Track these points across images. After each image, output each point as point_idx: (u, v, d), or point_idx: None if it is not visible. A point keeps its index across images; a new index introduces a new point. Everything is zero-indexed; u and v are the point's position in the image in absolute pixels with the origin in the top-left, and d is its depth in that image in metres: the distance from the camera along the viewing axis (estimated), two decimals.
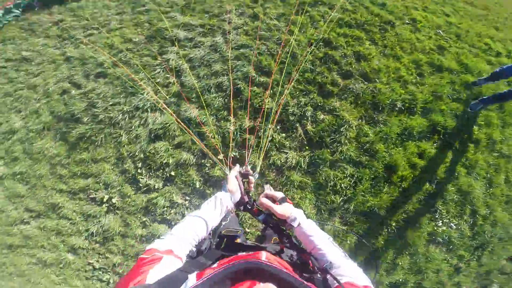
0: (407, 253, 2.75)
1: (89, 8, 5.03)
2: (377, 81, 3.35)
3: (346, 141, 2.93)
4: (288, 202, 1.09)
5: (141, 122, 3.14)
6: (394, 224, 2.73)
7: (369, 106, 3.18)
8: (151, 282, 0.64)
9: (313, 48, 3.53)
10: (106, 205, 2.90)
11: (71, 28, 4.64)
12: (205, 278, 0.61)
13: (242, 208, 1.18)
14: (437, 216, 2.87)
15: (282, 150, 2.91)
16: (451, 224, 2.89)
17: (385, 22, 4.01)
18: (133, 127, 3.12)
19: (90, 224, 2.85)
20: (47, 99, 3.69)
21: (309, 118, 3.07)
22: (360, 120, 3.11)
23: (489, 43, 4.12)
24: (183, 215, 2.68)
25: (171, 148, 2.96)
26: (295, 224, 1.01)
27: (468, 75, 3.56)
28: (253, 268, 0.66)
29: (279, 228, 1.10)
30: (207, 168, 2.82)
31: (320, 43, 3.65)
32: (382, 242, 2.72)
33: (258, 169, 1.46)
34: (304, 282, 0.63)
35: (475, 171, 3.06)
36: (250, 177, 1.25)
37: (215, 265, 0.78)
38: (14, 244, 2.99)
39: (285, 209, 1.04)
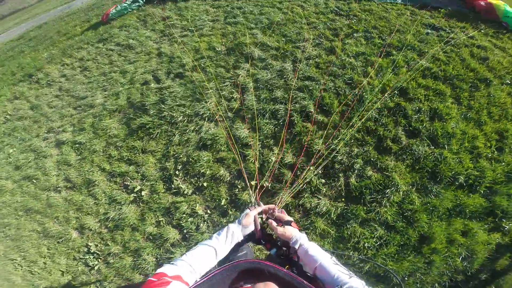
0: None
1: (193, 10, 5.62)
2: (446, 147, 2.85)
3: (387, 203, 2.57)
4: (293, 226, 1.10)
5: (196, 128, 3.35)
6: None
7: (426, 174, 2.72)
8: None
9: (385, 95, 3.21)
10: (134, 195, 3.10)
11: (173, 26, 5.27)
12: (205, 278, 0.61)
13: (256, 242, 1.18)
14: None
15: (316, 195, 2.73)
16: None
17: (479, 79, 3.39)
18: (187, 131, 3.35)
19: (111, 209, 3.07)
20: (130, 85, 4.24)
21: (356, 171, 2.78)
22: (410, 187, 2.69)
23: None
24: (198, 226, 2.72)
25: (212, 161, 3.07)
26: (296, 246, 1.02)
27: None
28: (253, 268, 0.67)
29: (290, 260, 1.09)
30: (237, 190, 2.82)
31: (395, 92, 3.30)
32: None
33: (281, 204, 1.45)
34: (304, 281, 0.64)
35: None
36: (271, 220, 1.20)
37: None
38: (33, 209, 3.37)
39: (286, 231, 1.06)
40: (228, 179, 2.93)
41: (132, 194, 3.10)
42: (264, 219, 1.23)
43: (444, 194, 2.58)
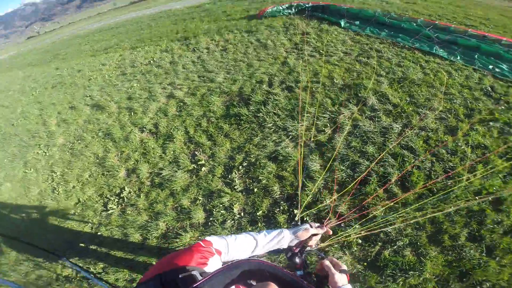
0: None
1: (332, 35, 5.74)
2: (496, 258, 2.27)
3: (401, 282, 2.21)
4: (347, 276, 1.05)
5: (277, 140, 3.49)
6: None
7: (457, 272, 2.22)
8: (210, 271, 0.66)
9: (478, 199, 2.56)
10: (195, 166, 3.42)
11: (307, 43, 5.53)
12: (206, 278, 0.60)
13: (289, 255, 1.14)
14: None
15: (344, 249, 2.49)
16: None
17: None
18: (268, 138, 3.51)
19: (168, 168, 3.48)
20: (248, 78, 4.70)
21: (395, 247, 2.42)
22: (433, 277, 2.17)
23: None
24: (224, 221, 2.83)
25: (273, 175, 3.15)
26: None
27: None
28: (254, 268, 0.66)
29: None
30: (277, 209, 2.83)
31: (490, 199, 2.61)
32: None
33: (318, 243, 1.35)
34: (305, 282, 0.64)
35: None
36: (328, 262, 1.14)
37: None
38: (112, 135, 4.05)
39: (342, 279, 1.01)
40: (277, 196, 2.95)
41: (193, 165, 3.48)
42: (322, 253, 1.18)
43: None
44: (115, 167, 3.77)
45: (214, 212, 2.93)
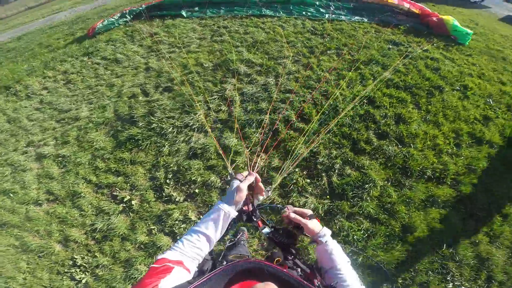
0: None
1: (180, 28, 5.76)
2: (412, 146, 3.18)
3: (368, 198, 2.78)
4: (316, 219, 1.04)
5: (185, 139, 3.39)
6: (401, 281, 2.43)
7: (398, 170, 3.00)
8: None
9: (356, 104, 3.51)
10: (124, 205, 3.01)
11: (161, 43, 5.36)
12: (205, 278, 0.59)
13: (245, 219, 1.09)
14: (448, 278, 2.47)
15: (303, 194, 2.88)
16: (462, 287, 2.49)
17: (434, 86, 3.85)
18: (177, 142, 3.37)
19: (99, 220, 2.92)
20: (118, 99, 4.20)
21: (336, 171, 2.99)
22: (386, 182, 2.93)
23: None
24: None
25: (203, 168, 3.12)
26: (323, 240, 0.96)
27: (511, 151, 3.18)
28: (253, 268, 0.66)
29: (283, 244, 1.06)
30: None
31: (364, 101, 3.62)
32: None
33: (274, 185, 1.34)
34: (304, 281, 0.62)
35: (498, 240, 2.61)
36: (293, 214, 1.04)
37: None
38: (10, 223, 3.12)
39: (315, 225, 1.00)
40: (219, 184, 2.98)
41: (121, 205, 3.02)
42: (286, 214, 1.07)
43: (416, 186, 2.86)
44: (44, 246, 2.88)
45: (175, 230, 2.73)
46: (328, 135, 3.24)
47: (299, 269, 0.98)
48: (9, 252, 2.97)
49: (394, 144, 3.21)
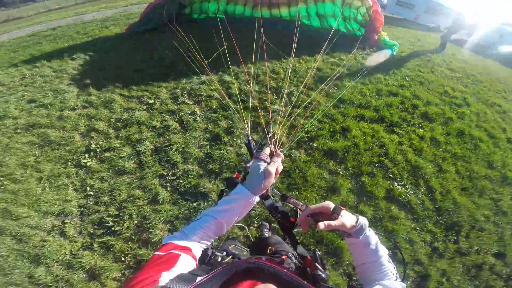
0: (368, 203, 3.03)
1: None
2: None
3: (369, 155, 3.65)
4: (342, 209, 0.82)
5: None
6: (350, 167, 3.38)
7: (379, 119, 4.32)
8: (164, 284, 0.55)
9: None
10: (148, 106, 4.17)
11: None
12: (205, 279, 0.57)
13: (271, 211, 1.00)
14: (391, 175, 3.36)
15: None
16: (408, 189, 3.24)
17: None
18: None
19: (124, 114, 4.03)
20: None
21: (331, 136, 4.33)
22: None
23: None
24: (195, 119, 3.89)
25: (209, 90, 4.38)
26: (364, 233, 0.80)
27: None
28: (254, 268, 0.63)
29: (284, 223, 0.98)
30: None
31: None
32: (341, 181, 3.19)
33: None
34: (305, 282, 0.60)
35: (422, 154, 3.73)
36: (320, 223, 0.79)
37: None
38: (39, 123, 3.88)
39: (349, 219, 0.80)
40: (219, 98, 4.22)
41: (146, 105, 4.17)
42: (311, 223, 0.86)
43: (348, 109, 4.26)
44: (65, 137, 3.65)
45: (184, 118, 3.93)
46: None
47: (293, 258, 0.99)
48: (22, 149, 3.55)
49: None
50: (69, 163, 3.37)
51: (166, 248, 0.71)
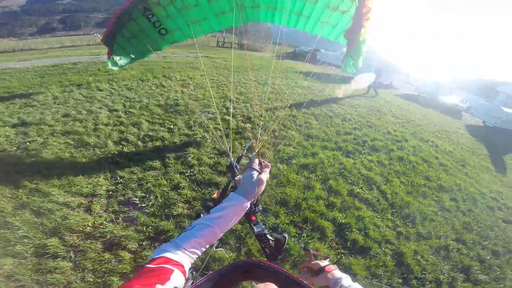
0: (336, 197, 4.03)
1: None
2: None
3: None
4: (328, 269, 0.93)
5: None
6: (319, 175, 4.42)
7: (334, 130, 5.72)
8: None
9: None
10: None
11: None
12: (205, 279, 0.57)
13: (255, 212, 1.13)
14: (350, 181, 4.36)
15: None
16: (365, 190, 4.32)
17: None
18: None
19: None
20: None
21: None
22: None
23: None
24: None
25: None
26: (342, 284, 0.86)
27: None
28: (252, 268, 0.63)
29: (272, 251, 1.05)
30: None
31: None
32: (313, 183, 4.21)
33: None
34: (304, 281, 0.60)
35: (372, 170, 4.94)
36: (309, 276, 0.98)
37: None
38: None
39: (325, 278, 0.91)
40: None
41: (167, 129, 5.33)
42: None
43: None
44: (100, 142, 4.52)
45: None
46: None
47: None
48: (58, 147, 4.34)
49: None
50: (103, 159, 4.20)
51: (158, 261, 0.67)
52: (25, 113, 5.69)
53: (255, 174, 0.95)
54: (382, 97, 11.56)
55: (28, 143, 4.50)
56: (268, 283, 0.53)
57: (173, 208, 3.42)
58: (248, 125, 5.81)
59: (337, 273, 0.92)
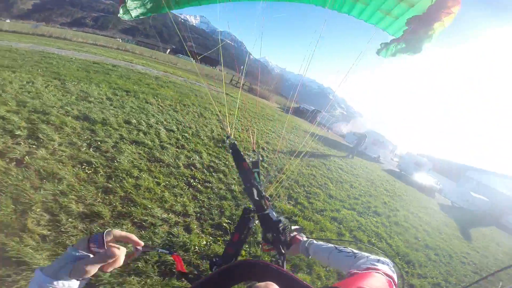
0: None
1: None
2: None
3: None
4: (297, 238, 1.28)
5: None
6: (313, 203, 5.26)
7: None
8: None
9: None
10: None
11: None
12: (205, 279, 0.57)
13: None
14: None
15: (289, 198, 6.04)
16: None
17: None
18: None
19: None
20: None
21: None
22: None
23: None
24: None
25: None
26: (306, 245, 1.17)
27: None
28: (252, 268, 0.63)
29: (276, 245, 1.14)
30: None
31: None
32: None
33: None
34: (306, 283, 0.58)
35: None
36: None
37: None
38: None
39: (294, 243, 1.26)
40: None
41: (225, 161, 5.71)
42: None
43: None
44: (172, 161, 4.78)
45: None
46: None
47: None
48: (132, 156, 4.55)
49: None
50: (180, 180, 4.44)
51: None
52: (85, 107, 5.74)
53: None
54: (372, 169, 13.31)
55: (99, 143, 4.56)
56: (269, 282, 0.50)
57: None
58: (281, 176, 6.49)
59: (302, 238, 1.19)
